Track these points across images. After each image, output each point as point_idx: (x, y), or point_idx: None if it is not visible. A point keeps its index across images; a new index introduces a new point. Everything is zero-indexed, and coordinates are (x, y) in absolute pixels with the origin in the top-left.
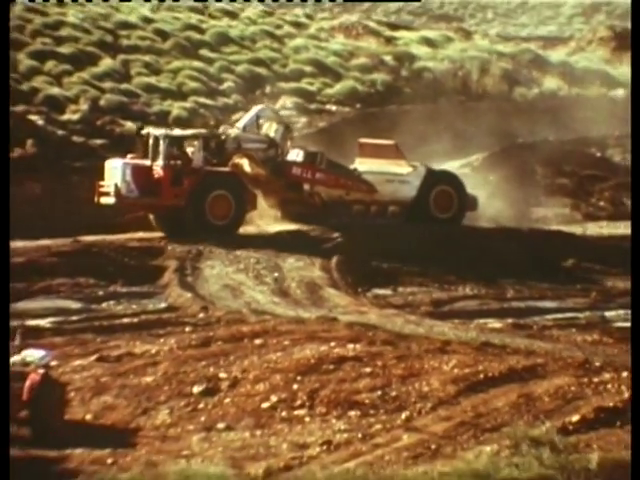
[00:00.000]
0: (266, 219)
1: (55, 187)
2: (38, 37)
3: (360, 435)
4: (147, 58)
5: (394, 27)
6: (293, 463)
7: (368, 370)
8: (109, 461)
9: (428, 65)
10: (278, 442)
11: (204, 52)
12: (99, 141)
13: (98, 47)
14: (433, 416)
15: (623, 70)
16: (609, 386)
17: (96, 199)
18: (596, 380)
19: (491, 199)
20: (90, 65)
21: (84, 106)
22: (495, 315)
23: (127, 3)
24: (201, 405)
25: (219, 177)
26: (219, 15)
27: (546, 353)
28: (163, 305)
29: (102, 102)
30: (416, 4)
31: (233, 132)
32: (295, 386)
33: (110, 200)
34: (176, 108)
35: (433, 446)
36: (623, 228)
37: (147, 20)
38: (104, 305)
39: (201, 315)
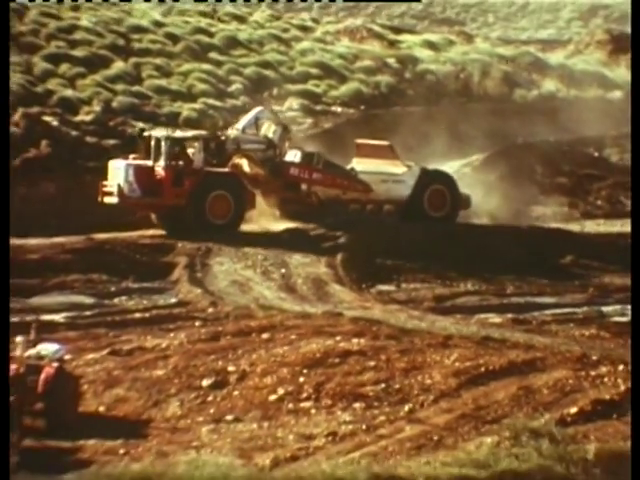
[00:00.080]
0: (267, 218)
1: (69, 186)
2: (53, 41)
3: (364, 426)
4: (158, 61)
5: (398, 31)
6: (299, 454)
7: (372, 364)
8: (121, 451)
9: (431, 68)
10: (285, 433)
11: (213, 55)
12: (112, 141)
13: (111, 50)
14: (435, 408)
15: (620, 72)
16: (606, 379)
17: (100, 198)
18: (593, 373)
19: (492, 198)
20: (103, 68)
21: (97, 107)
22: (495, 310)
23: (138, 7)
24: (210, 397)
25: (219, 177)
26: (228, 19)
27: (545, 347)
28: (173, 300)
29: (114, 104)
30: (419, 8)
31: (232, 133)
32: (301, 379)
33: (113, 200)
34: (186, 109)
35: (435, 437)
36: (620, 226)
37: (158, 24)
38: (116, 300)
39: (210, 310)
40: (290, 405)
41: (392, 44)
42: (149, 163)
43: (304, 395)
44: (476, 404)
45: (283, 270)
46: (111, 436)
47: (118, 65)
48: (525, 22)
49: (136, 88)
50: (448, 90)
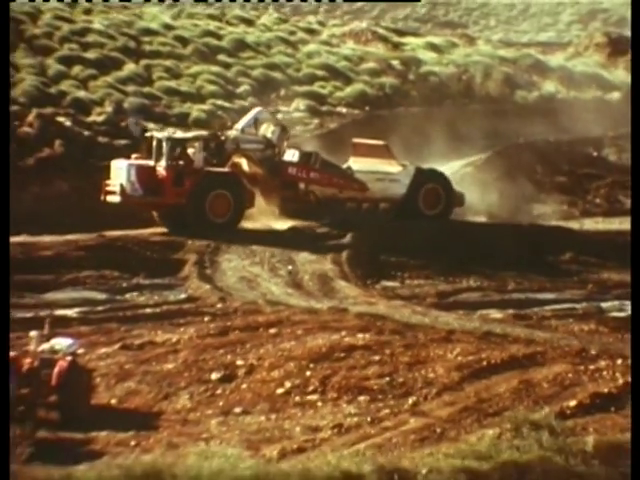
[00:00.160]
0: (267, 216)
1: (81, 185)
2: (66, 43)
3: (369, 419)
4: (168, 63)
5: (401, 33)
6: (306, 445)
7: (377, 358)
8: (132, 443)
9: (434, 69)
10: (292, 425)
11: (222, 57)
12: (123, 141)
13: (122, 53)
14: (438, 401)
15: (618, 74)
16: (604, 373)
17: (102, 197)
18: (592, 367)
19: (493, 196)
20: (114, 70)
21: (109, 108)
22: (497, 306)
23: (149, 11)
24: (219, 391)
25: (218, 177)
26: (236, 22)
27: (545, 342)
28: (183, 296)
29: (126, 105)
30: (422, 11)
31: (232, 133)
32: (308, 373)
33: (116, 198)
34: (195, 110)
35: (438, 429)
36: (618, 224)
37: (168, 27)
38: (127, 296)
39: (219, 306)
40: (297, 398)
41: (396, 46)
42: (151, 163)
43: (310, 388)
44: (478, 397)
45: (290, 267)
46: (123, 428)
47: (129, 67)
48: (526, 25)
49: (147, 89)
50: (451, 91)
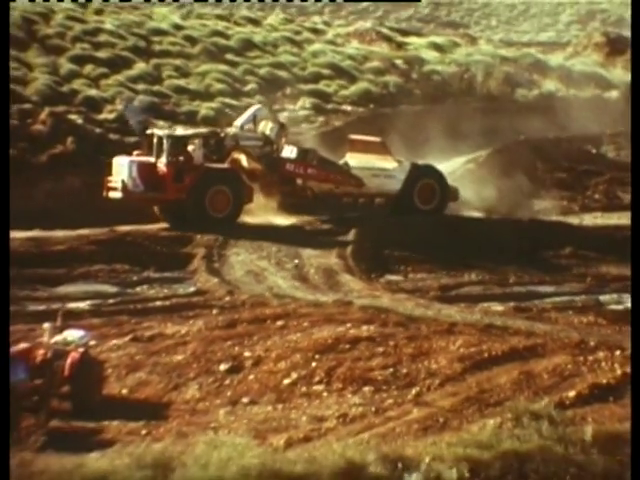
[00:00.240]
0: (267, 211)
1: (93, 181)
2: (78, 43)
3: (373, 409)
4: (177, 62)
5: (405, 33)
6: (312, 434)
7: (381, 349)
8: (143, 432)
9: (436, 68)
10: (298, 415)
11: (230, 56)
12: (133, 139)
13: (132, 52)
14: (441, 392)
15: (616, 73)
16: (603, 364)
17: (104, 193)
18: (591, 359)
19: (495, 192)
20: (125, 68)
21: (119, 106)
22: (498, 299)
23: (159, 11)
24: (227, 381)
25: (218, 173)
26: (243, 22)
27: (545, 334)
28: (192, 289)
29: (136, 103)
30: (425, 12)
31: (231, 131)
32: (314, 364)
33: (117, 194)
34: (204, 108)
35: (441, 419)
36: (617, 219)
37: (177, 27)
38: (138, 289)
39: (227, 299)
40: (303, 389)
41: (400, 46)
42: (151, 160)
43: (316, 379)
44: (480, 388)
45: (296, 261)
46: (133, 417)
47: (139, 66)
48: (526, 25)
49: (156, 88)
50: (453, 90)
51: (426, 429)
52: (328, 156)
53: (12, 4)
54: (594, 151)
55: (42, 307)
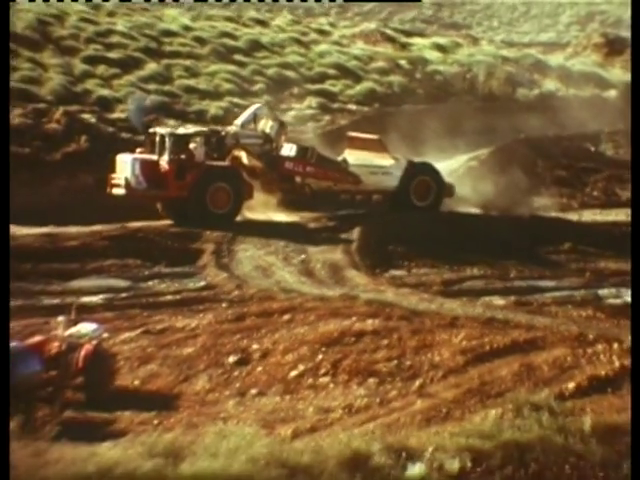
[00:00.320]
0: (268, 207)
1: (105, 178)
2: (91, 44)
3: (378, 400)
4: (187, 62)
5: (409, 34)
6: (318, 425)
7: (385, 342)
8: (154, 422)
9: (439, 68)
10: (305, 406)
11: (238, 57)
12: (143, 137)
13: (144, 53)
14: (444, 383)
15: (615, 73)
16: (602, 357)
17: (108, 190)
18: (590, 351)
19: (496, 189)
20: (137, 69)
21: (131, 106)
22: (499, 293)
23: (169, 13)
24: (236, 373)
25: (219, 170)
26: (252, 24)
27: (545, 327)
28: (202, 284)
29: (147, 102)
30: (428, 13)
31: (232, 129)
32: (320, 356)
33: (121, 191)
34: (213, 107)
35: (444, 410)
36: (615, 215)
37: (187, 28)
38: (149, 284)
39: (236, 293)
40: (309, 380)
41: (404, 46)
42: (154, 157)
43: (322, 371)
44: (481, 380)
45: (303, 256)
46: (145, 408)
47: (150, 66)
48: (527, 26)
49: (167, 88)
50: (455, 89)
51: (429, 420)
52: (332, 154)
53: (26, 6)
54: (593, 149)
55: (56, 301)
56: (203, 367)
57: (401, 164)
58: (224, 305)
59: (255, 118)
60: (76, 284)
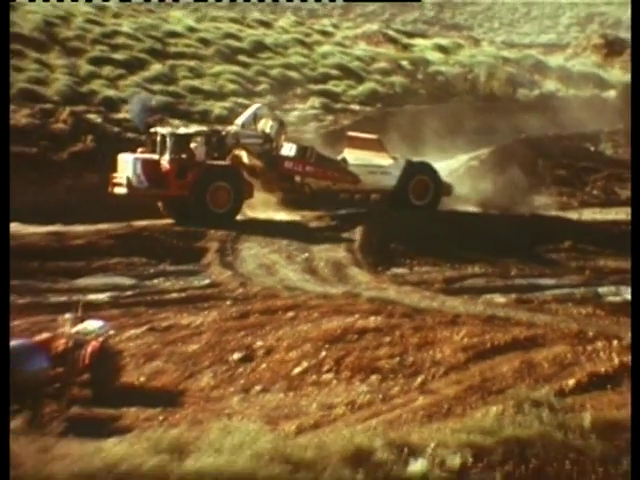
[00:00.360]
0: (268, 206)
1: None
2: (96, 45)
3: (381, 397)
4: (192, 63)
5: (410, 35)
6: (321, 421)
7: (388, 339)
8: (160, 418)
9: (441, 69)
10: (308, 402)
11: (242, 58)
12: (145, 137)
13: (149, 54)
14: (445, 380)
15: (614, 73)
16: (601, 354)
17: (110, 189)
18: (590, 348)
19: (497, 188)
20: (142, 70)
21: (134, 105)
22: (500, 291)
23: (174, 15)
24: (240, 370)
25: (219, 170)
26: (255, 25)
27: (545, 324)
28: (206, 282)
29: (149, 102)
30: (430, 15)
31: (232, 129)
32: (323, 353)
33: (122, 190)
34: (217, 107)
35: (445, 406)
36: (614, 214)
37: (192, 30)
38: (154, 281)
39: (240, 291)
40: (313, 377)
41: (405, 47)
42: (155, 157)
43: (325, 368)
44: (483, 376)
45: (306, 254)
46: (150, 404)
47: (155, 67)
48: (527, 27)
49: (172, 88)
50: (457, 90)
51: (431, 416)
52: (335, 153)
53: (33, 8)
54: (592, 149)
55: (63, 298)
56: (208, 364)
57: (399, 164)
58: (228, 303)
59: (255, 118)
60: (82, 282)
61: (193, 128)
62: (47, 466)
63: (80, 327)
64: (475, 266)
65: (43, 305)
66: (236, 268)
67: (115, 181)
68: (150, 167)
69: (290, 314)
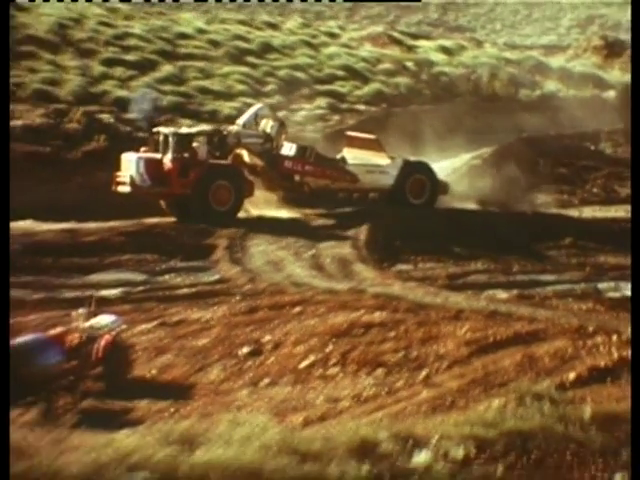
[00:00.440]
0: (270, 204)
1: None
2: (109, 46)
3: (386, 390)
4: (201, 64)
5: (415, 37)
6: (328, 413)
7: (392, 334)
8: (171, 410)
9: (445, 70)
10: (315, 395)
11: (250, 59)
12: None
13: (159, 55)
14: (449, 374)
15: (614, 74)
16: (601, 348)
17: (113, 188)
18: (590, 343)
19: (499, 186)
20: (152, 70)
21: (139, 99)
22: (502, 287)
23: (184, 17)
24: (248, 364)
25: (221, 169)
26: (263, 27)
27: (547, 319)
28: (215, 277)
29: (163, 102)
30: (434, 17)
31: (234, 129)
32: (329, 348)
33: (126, 189)
34: (226, 107)
35: (449, 399)
36: (614, 211)
37: (202, 31)
38: (165, 277)
39: (248, 286)
40: (319, 371)
41: (410, 49)
42: (158, 156)
43: (332, 362)
44: (485, 370)
45: (313, 251)
46: (161, 397)
47: (166, 68)
48: (529, 29)
49: (182, 88)
50: (460, 90)
51: (435, 409)
52: (340, 152)
53: (47, 10)
54: (593, 148)
55: (76, 294)
56: (217, 358)
57: (397, 163)
58: (237, 298)
59: (256, 118)
60: (95, 278)
61: (195, 128)
62: (60, 457)
63: (93, 321)
64: (478, 263)
65: (57, 300)
66: (244, 264)
67: (119, 180)
68: (153, 166)
69: (297, 309)
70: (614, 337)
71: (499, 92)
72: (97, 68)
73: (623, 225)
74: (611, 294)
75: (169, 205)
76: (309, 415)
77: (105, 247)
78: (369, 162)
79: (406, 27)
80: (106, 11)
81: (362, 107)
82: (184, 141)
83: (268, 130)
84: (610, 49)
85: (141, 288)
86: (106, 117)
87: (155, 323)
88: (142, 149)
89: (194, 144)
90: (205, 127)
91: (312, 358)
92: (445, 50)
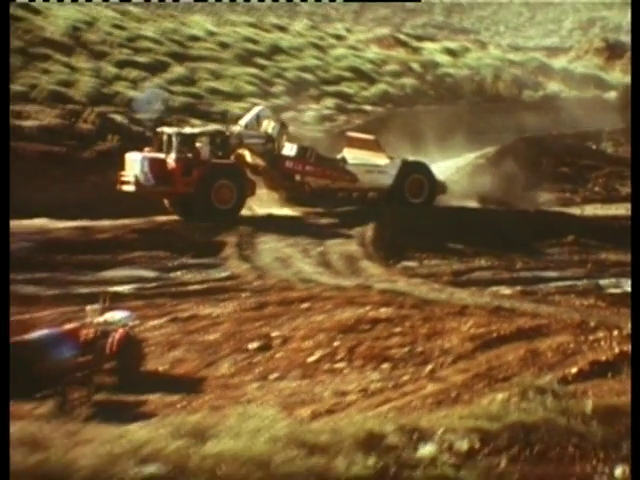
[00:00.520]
0: (271, 203)
1: None
2: (121, 49)
3: (391, 384)
4: (211, 66)
5: (420, 39)
6: (335, 407)
7: (398, 329)
8: (182, 404)
9: (449, 71)
10: (322, 390)
11: (259, 60)
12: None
13: (170, 57)
14: (453, 368)
15: (615, 75)
16: (602, 343)
17: (118, 187)
18: (591, 338)
19: (503, 185)
20: (163, 72)
21: (144, 96)
22: (506, 283)
23: (194, 19)
24: (257, 359)
25: (223, 168)
26: (272, 29)
27: (549, 315)
28: (225, 274)
29: (174, 103)
30: (439, 19)
31: (236, 129)
32: (336, 343)
33: (130, 188)
34: (235, 108)
35: (453, 394)
36: (615, 209)
37: (211, 33)
38: (176, 274)
39: (257, 283)
40: (327, 365)
41: (415, 51)
42: (161, 156)
43: (339, 357)
44: (489, 365)
45: (320, 248)
46: (172, 391)
47: (176, 69)
48: (532, 31)
49: (192, 89)
50: (464, 91)
51: (440, 403)
52: (339, 153)
53: (61, 13)
54: (594, 147)
55: (89, 290)
56: (227, 352)
57: (396, 163)
58: (246, 294)
59: (258, 119)
60: (108, 274)
61: (198, 128)
62: (74, 449)
63: (107, 317)
64: (482, 259)
65: (71, 296)
66: (253, 261)
67: (123, 179)
68: (157, 165)
69: (305, 305)
70: (615, 332)
71: (503, 93)
72: (110, 70)
73: (624, 223)
74: (612, 290)
75: (172, 204)
76: (317, 408)
77: (118, 244)
78: (368, 162)
79: (412, 29)
80: (119, 14)
81: (368, 107)
82: (187, 141)
83: (269, 131)
84: (611, 51)
85: (153, 284)
86: (119, 118)
87: (167, 318)
88: (146, 149)
89: (197, 144)
90: (208, 127)
91: (320, 353)
92: (450, 52)
